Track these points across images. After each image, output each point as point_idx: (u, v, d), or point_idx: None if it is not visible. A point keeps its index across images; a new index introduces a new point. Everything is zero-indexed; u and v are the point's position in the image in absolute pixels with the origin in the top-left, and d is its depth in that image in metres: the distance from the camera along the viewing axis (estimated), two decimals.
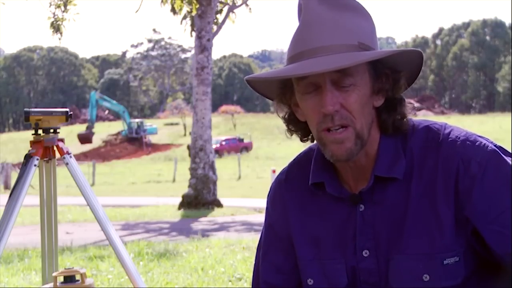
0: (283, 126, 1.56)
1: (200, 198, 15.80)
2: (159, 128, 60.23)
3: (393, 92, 1.45)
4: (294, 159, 1.64)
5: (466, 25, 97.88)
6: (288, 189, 1.60)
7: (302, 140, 1.54)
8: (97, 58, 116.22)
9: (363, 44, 1.39)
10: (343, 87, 1.39)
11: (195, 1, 13.51)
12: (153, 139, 56.38)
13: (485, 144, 1.42)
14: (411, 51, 1.41)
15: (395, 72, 1.43)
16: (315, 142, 1.54)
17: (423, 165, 1.44)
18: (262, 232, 1.67)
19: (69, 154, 3.42)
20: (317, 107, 1.40)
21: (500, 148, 1.43)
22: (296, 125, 1.52)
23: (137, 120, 59.91)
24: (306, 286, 1.54)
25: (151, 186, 28.30)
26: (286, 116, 1.52)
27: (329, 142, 1.41)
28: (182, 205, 15.87)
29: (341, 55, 1.36)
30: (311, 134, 1.52)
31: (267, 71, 1.46)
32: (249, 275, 6.13)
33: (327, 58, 1.35)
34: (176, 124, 63.93)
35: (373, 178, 1.45)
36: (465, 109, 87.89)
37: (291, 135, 1.54)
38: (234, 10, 16.80)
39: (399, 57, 1.40)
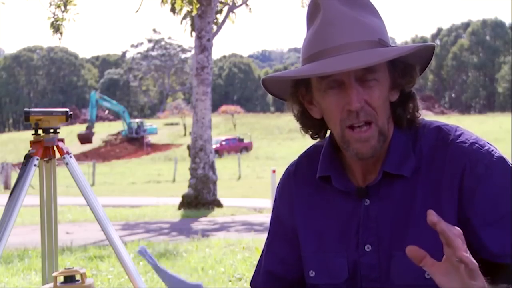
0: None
1: (200, 198, 15.80)
2: (159, 128, 60.23)
3: (408, 87, 1.47)
4: (304, 152, 1.65)
5: (466, 25, 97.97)
6: (296, 181, 1.61)
7: (313, 138, 1.56)
8: (97, 58, 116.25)
9: (383, 40, 1.41)
10: (366, 83, 1.40)
11: (195, 1, 13.51)
12: (153, 139, 56.38)
13: (493, 150, 1.44)
14: (429, 45, 1.43)
15: (410, 66, 1.45)
16: (324, 139, 1.56)
17: (430, 164, 1.45)
18: (270, 223, 1.69)
19: (69, 154, 3.42)
20: (341, 104, 1.41)
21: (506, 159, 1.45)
22: (309, 123, 1.53)
23: (137, 120, 59.91)
24: (308, 278, 1.56)
25: (151, 186, 28.30)
26: (299, 114, 1.53)
27: (354, 140, 1.42)
28: (182, 205, 15.87)
29: (369, 52, 1.37)
30: (322, 132, 1.54)
31: (290, 70, 1.47)
32: (249, 275, 6.14)
33: (356, 55, 1.36)
34: (176, 124, 63.93)
35: (382, 173, 1.46)
36: (465, 109, 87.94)
37: (306, 132, 1.55)
38: (234, 10, 16.82)
39: (413, 51, 1.41)
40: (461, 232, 1.18)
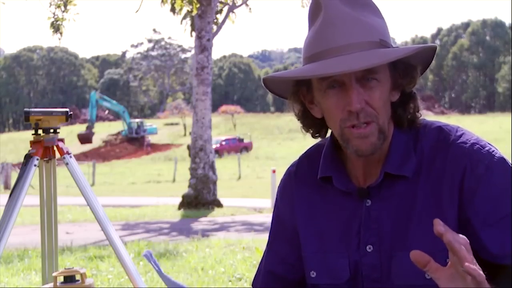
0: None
1: (200, 198, 15.80)
2: (159, 128, 60.23)
3: (408, 87, 1.46)
4: (304, 153, 1.65)
5: (465, 25, 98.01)
6: (297, 181, 1.61)
7: (314, 136, 1.56)
8: (97, 58, 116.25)
9: (384, 40, 1.41)
10: (367, 84, 1.40)
11: (195, 1, 13.51)
12: (153, 139, 56.38)
13: (494, 150, 1.44)
14: (431, 46, 1.43)
15: (411, 67, 1.45)
16: (326, 138, 1.56)
17: (431, 164, 1.45)
18: (271, 223, 1.69)
19: (69, 154, 3.42)
20: (342, 104, 1.41)
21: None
22: (310, 122, 1.53)
23: (137, 120, 59.92)
24: (309, 279, 1.56)
25: (151, 186, 28.30)
26: (300, 113, 1.53)
27: (354, 137, 1.42)
28: (182, 205, 15.87)
29: (370, 52, 1.36)
30: (323, 132, 1.54)
31: (291, 70, 1.46)
32: (249, 275, 6.14)
33: (357, 56, 1.36)
34: (176, 124, 63.93)
35: (383, 174, 1.46)
36: (465, 109, 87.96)
37: (306, 132, 1.55)
38: (234, 10, 16.82)
39: (414, 52, 1.41)
40: (467, 240, 1.16)
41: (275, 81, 1.52)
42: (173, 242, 9.28)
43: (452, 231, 1.15)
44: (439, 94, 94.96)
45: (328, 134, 1.56)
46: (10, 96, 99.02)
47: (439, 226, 1.15)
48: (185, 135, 56.05)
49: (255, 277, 1.69)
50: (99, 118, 69.38)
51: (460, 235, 1.16)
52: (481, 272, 1.14)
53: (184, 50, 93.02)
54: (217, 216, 14.61)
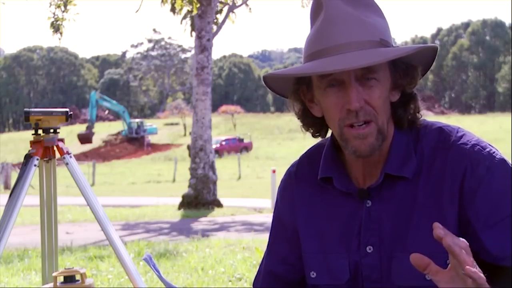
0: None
1: (200, 198, 15.80)
2: (159, 128, 60.22)
3: (409, 87, 1.46)
4: (305, 153, 1.65)
5: (465, 25, 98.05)
6: (298, 181, 1.61)
7: (314, 136, 1.55)
8: (97, 58, 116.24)
9: (384, 40, 1.41)
10: (366, 83, 1.40)
11: (195, 1, 13.51)
12: (153, 139, 56.38)
13: (494, 151, 1.44)
14: (431, 47, 1.43)
15: (411, 67, 1.45)
16: (326, 137, 1.56)
17: (432, 165, 1.45)
18: (271, 224, 1.69)
19: (69, 154, 3.42)
20: (341, 103, 1.41)
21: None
22: (310, 121, 1.53)
23: (137, 120, 59.92)
24: (309, 279, 1.56)
25: (151, 186, 28.30)
26: (300, 112, 1.53)
27: (352, 137, 1.41)
28: (182, 205, 15.87)
29: (370, 51, 1.36)
30: (323, 131, 1.54)
31: (290, 68, 1.46)
32: (249, 275, 6.14)
33: (356, 54, 1.36)
34: (176, 124, 63.93)
35: (383, 175, 1.46)
36: (465, 109, 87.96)
37: (306, 131, 1.55)
38: (234, 10, 16.82)
39: (414, 52, 1.41)
40: (467, 243, 1.17)
41: (276, 80, 1.52)
42: (173, 242, 9.27)
43: (451, 235, 1.15)
44: (439, 94, 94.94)
45: (328, 134, 1.56)
46: (10, 96, 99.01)
47: (438, 229, 1.15)
48: (185, 135, 56.05)
49: (255, 277, 1.70)
50: (99, 118, 69.36)
51: (460, 238, 1.16)
52: (482, 275, 1.14)
53: (184, 50, 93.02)
54: (217, 216, 14.61)
